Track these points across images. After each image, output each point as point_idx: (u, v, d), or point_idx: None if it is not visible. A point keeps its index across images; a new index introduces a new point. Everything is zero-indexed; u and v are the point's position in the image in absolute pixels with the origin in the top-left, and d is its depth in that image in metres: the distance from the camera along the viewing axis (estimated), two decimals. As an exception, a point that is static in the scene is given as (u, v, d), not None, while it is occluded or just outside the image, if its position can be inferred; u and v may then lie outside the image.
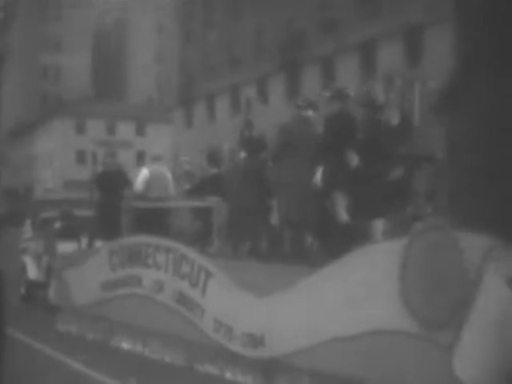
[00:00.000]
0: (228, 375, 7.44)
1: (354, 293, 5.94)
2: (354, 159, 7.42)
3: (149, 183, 10.74)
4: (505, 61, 5.20)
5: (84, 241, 12.37)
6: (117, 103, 75.52)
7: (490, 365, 4.93)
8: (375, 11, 36.06)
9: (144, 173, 10.90)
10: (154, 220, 10.28)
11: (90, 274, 10.23)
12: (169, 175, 11.16)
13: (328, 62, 39.11)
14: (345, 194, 7.52)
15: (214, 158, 10.57)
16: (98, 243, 11.02)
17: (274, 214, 8.37)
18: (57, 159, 67.61)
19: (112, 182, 10.81)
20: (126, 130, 72.27)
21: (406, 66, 33.20)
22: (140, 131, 73.46)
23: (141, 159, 68.12)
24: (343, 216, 7.51)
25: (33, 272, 13.77)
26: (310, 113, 8.00)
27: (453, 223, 5.28)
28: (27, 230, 15.05)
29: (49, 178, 67.19)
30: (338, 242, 7.42)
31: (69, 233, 13.08)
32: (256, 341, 6.99)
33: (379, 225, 7.53)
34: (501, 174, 5.28)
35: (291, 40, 42.36)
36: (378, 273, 5.71)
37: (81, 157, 67.41)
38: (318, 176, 7.62)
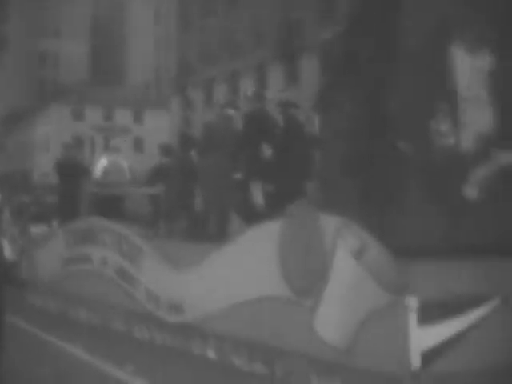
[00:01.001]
0: (158, 340, 8.53)
1: (247, 265, 7.00)
2: (268, 151, 8.48)
3: (106, 171, 11.85)
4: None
5: (55, 224, 13.49)
6: (114, 89, 76.31)
7: (342, 323, 5.98)
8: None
9: (102, 162, 12.02)
10: (111, 204, 11.38)
11: (51, 252, 11.34)
12: (125, 164, 12.28)
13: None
14: (261, 182, 8.58)
15: (165, 148, 11.62)
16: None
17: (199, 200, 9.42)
18: (54, 145, 68.50)
19: (71, 171, 11.89)
20: (123, 116, 73.13)
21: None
22: (138, 118, 74.34)
23: (139, 146, 69.31)
24: (260, 202, 8.58)
25: (8, 253, 14.87)
26: (231, 111, 9.04)
27: (318, 205, 6.33)
28: (5, 214, 16.16)
29: (46, 163, 68.11)
30: (256, 224, 8.44)
31: (41, 216, 14.22)
32: (177, 308, 8.07)
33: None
34: (358, 165, 6.33)
35: (290, 28, 42.93)
36: (264, 248, 6.77)
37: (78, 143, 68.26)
38: (239, 166, 8.68)
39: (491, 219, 6.40)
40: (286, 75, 42.87)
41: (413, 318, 5.47)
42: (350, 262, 5.86)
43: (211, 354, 7.47)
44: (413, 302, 5.46)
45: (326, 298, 6.07)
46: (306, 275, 6.26)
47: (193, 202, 9.42)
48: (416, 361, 5.50)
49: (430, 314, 5.57)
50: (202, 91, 53.18)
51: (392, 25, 6.10)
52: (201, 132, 9.46)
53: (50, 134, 69.88)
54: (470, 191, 6.38)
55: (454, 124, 5.95)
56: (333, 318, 6.05)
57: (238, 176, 8.68)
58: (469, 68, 6.53)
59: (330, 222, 6.07)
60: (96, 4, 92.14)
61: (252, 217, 8.68)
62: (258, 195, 8.53)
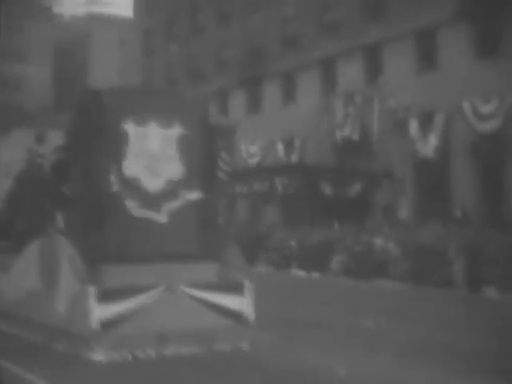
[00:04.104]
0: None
1: (28, 267, 10.55)
2: (70, 190, 12.05)
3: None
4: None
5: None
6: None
7: (64, 300, 9.46)
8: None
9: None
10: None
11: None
12: None
13: (288, 78, 41.29)
14: (63, 212, 12.13)
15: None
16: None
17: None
18: (15, 168, 71.26)
19: None
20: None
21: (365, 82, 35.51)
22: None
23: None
24: (62, 225, 12.10)
25: None
26: (40, 160, 12.62)
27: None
28: None
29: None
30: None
31: None
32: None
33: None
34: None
35: (252, 55, 44.59)
36: (32, 256, 10.35)
37: (40, 165, 71.09)
38: (48, 201, 12.28)
39: (174, 238, 10.01)
40: (248, 101, 44.93)
41: (92, 299, 8.98)
42: (65, 264, 9.42)
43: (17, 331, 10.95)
44: (92, 289, 8.98)
45: (59, 288, 9.58)
46: (49, 275, 9.81)
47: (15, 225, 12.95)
48: (96, 326, 8.98)
49: (109, 296, 9.09)
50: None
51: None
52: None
53: (11, 158, 72.61)
54: (160, 217, 9.99)
55: (119, 176, 9.64)
56: (61, 298, 9.54)
57: (47, 207, 12.25)
58: (161, 137, 10.18)
59: (62, 241, 9.70)
60: (59, 29, 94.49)
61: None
62: (61, 221, 12.04)
